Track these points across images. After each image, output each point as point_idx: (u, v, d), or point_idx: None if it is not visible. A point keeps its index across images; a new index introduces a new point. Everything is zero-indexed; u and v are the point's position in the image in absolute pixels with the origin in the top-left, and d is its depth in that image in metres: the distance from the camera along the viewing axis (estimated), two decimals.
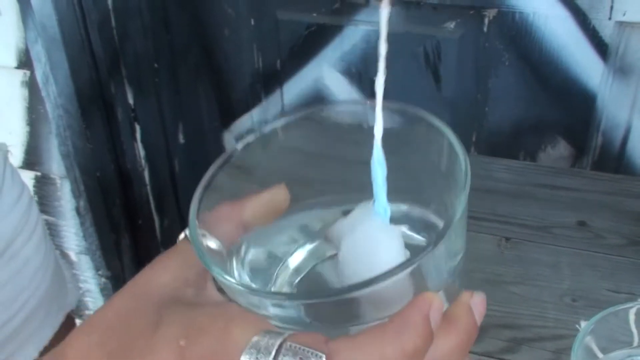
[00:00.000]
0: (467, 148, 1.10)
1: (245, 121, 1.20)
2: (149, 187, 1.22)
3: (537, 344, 0.59)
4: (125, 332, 0.31)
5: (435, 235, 0.28)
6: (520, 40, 0.97)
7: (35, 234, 0.64)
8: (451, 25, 0.99)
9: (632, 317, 0.47)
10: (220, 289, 0.32)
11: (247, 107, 1.18)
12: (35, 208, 0.66)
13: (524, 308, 0.63)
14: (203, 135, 1.23)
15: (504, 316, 0.63)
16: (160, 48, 1.14)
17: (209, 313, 0.30)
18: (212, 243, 0.32)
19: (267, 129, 0.34)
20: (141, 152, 1.18)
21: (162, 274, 0.33)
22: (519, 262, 0.69)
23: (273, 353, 0.27)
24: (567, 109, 1.00)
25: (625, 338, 0.46)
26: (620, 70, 0.95)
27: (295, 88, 1.14)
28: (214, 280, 0.32)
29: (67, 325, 0.69)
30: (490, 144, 1.07)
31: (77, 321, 1.39)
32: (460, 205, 0.28)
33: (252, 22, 1.09)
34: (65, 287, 0.70)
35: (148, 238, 1.27)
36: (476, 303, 0.29)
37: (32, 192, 0.67)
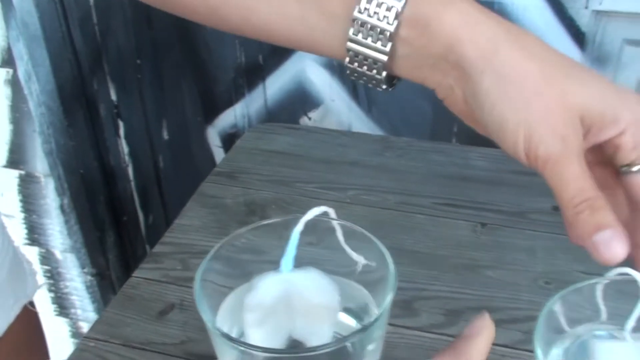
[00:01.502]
0: (449, 139, 1.11)
1: (228, 116, 1.20)
2: (133, 184, 1.22)
3: (511, 325, 0.60)
4: None
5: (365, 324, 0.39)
6: None
7: None
8: None
9: (599, 292, 0.47)
10: None
11: (230, 102, 1.19)
12: None
13: (498, 291, 0.64)
14: (187, 130, 1.24)
15: (479, 299, 0.63)
16: (143, 44, 1.15)
17: None
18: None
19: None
20: (125, 148, 1.19)
21: None
22: (495, 247, 0.69)
23: None
24: None
25: (592, 313, 0.47)
26: (598, 59, 0.96)
27: (277, 82, 1.14)
28: None
29: (25, 317, 0.69)
30: (471, 134, 1.07)
31: (63, 319, 1.39)
32: (386, 303, 0.38)
33: None
34: (25, 279, 0.70)
35: (133, 235, 1.27)
36: None
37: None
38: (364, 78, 0.42)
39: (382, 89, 0.42)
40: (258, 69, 1.13)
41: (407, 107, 1.10)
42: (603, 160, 0.39)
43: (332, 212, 0.48)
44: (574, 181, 0.35)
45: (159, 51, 1.16)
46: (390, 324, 0.40)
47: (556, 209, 0.38)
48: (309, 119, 1.16)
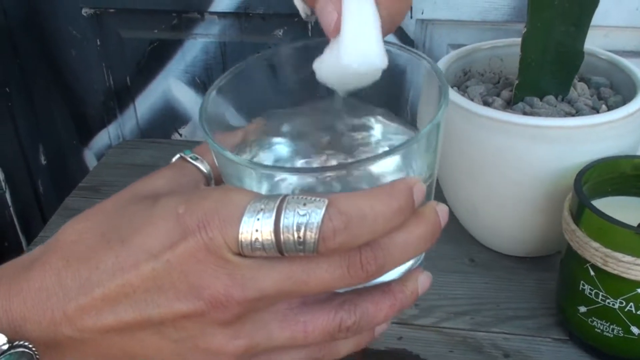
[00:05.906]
0: None
1: (103, 137, 1.25)
2: (12, 209, 1.24)
3: None
4: (121, 215, 0.32)
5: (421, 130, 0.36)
6: None
7: None
8: (280, 32, 1.09)
9: None
10: None
11: (103, 124, 1.23)
12: None
13: None
14: (64, 154, 1.27)
15: None
16: (11, 72, 1.18)
17: (207, 189, 0.34)
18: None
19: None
20: (0, 175, 1.21)
21: (158, 179, 0.37)
22: None
23: (276, 206, 0.28)
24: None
25: None
26: None
27: (147, 102, 1.20)
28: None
29: None
30: None
31: None
32: (440, 111, 0.35)
33: (98, 42, 1.15)
34: None
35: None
36: (441, 209, 0.34)
37: None
38: None
39: None
40: (127, 90, 1.19)
41: None
42: None
43: None
44: None
45: (28, 78, 1.20)
46: None
47: None
48: (180, 135, 1.22)
